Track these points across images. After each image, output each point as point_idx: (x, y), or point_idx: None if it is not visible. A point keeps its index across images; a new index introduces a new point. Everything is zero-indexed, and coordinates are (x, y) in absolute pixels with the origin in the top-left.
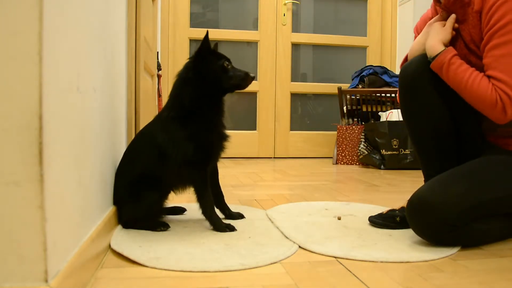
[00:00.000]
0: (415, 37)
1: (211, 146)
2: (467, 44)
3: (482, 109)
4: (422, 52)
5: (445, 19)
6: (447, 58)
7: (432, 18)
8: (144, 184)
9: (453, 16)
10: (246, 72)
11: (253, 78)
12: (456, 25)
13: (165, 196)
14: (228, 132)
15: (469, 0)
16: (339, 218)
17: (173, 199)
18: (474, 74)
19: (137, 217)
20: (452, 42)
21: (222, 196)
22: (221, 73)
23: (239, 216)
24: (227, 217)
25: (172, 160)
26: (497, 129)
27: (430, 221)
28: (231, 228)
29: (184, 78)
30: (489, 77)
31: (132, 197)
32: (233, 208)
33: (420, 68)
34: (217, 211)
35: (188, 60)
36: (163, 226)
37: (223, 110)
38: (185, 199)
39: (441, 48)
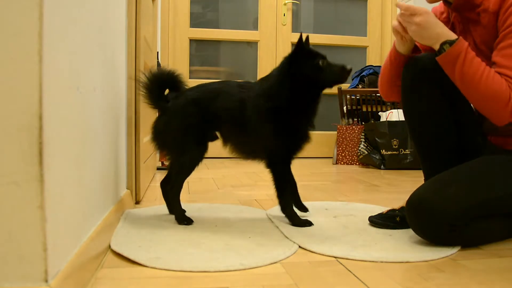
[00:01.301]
0: None
1: (299, 144)
2: (478, 45)
3: (490, 107)
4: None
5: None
6: (464, 47)
7: (444, 12)
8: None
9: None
10: (342, 66)
11: (350, 71)
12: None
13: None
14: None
15: (481, 1)
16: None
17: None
18: (487, 68)
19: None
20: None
21: (296, 189)
22: (316, 73)
23: (306, 209)
24: (300, 209)
25: (269, 149)
26: (498, 128)
27: (430, 221)
28: (309, 224)
29: (282, 78)
30: (499, 74)
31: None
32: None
33: (424, 66)
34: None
35: (284, 59)
36: (187, 221)
37: (317, 109)
38: (185, 199)
39: (453, 36)
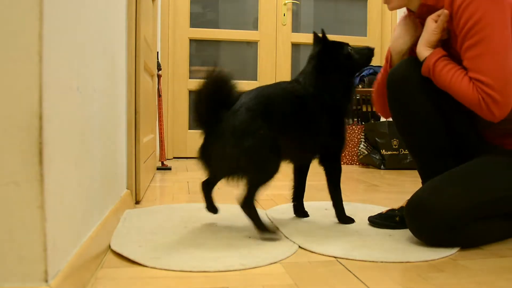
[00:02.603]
0: None
1: (345, 139)
2: (448, 49)
3: (472, 109)
4: (401, 46)
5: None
6: (431, 63)
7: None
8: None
9: (445, 13)
10: (367, 47)
11: (373, 49)
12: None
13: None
14: None
15: (442, 6)
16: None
17: (173, 200)
18: (456, 75)
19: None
20: (445, 41)
21: (303, 195)
22: (348, 62)
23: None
24: (299, 215)
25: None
26: (495, 127)
27: (429, 224)
28: (352, 221)
29: (323, 70)
30: (471, 78)
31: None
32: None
33: (407, 72)
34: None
35: (312, 59)
36: (272, 235)
37: (354, 96)
38: (184, 199)
39: (426, 52)
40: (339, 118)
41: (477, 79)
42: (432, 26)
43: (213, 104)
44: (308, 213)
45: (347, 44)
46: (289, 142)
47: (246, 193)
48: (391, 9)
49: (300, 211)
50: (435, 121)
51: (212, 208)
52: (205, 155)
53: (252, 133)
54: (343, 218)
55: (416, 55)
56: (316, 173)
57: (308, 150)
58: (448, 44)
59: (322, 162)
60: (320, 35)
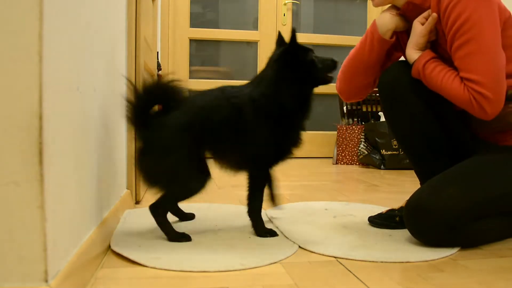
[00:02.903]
0: None
1: (289, 151)
2: (436, 49)
3: (465, 109)
4: (388, 22)
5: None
6: (420, 65)
7: None
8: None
9: (433, 16)
10: (331, 59)
11: (337, 62)
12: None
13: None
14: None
15: (429, 5)
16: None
17: None
18: (446, 76)
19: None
20: (433, 42)
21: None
22: (311, 68)
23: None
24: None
25: (253, 149)
26: (488, 125)
27: (428, 225)
28: (272, 234)
29: (281, 73)
30: (461, 78)
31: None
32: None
33: (398, 74)
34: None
35: (273, 57)
36: (186, 238)
37: (310, 109)
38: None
39: (415, 55)
40: (283, 129)
41: (467, 78)
42: (419, 29)
43: (144, 110)
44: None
45: (312, 51)
46: (222, 153)
47: (158, 200)
48: (376, 5)
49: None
50: (429, 122)
51: (185, 217)
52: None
53: (174, 150)
54: (259, 230)
55: (405, 51)
56: (316, 173)
57: (245, 160)
58: (436, 44)
59: (249, 171)
60: (287, 35)
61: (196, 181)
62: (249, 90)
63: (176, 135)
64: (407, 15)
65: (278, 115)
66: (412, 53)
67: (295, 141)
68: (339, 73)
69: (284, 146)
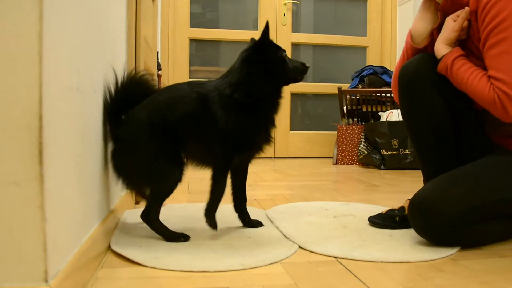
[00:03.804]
0: None
1: (255, 142)
2: (467, 45)
3: (487, 108)
4: (422, 29)
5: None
6: (449, 60)
7: None
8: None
9: (465, 10)
10: (302, 62)
11: (308, 68)
12: (466, 22)
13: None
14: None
15: (467, 1)
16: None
17: (173, 200)
18: (474, 74)
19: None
20: (462, 41)
21: (245, 201)
22: (281, 65)
23: (258, 224)
24: (246, 225)
25: (214, 134)
26: (501, 128)
27: (432, 222)
28: (186, 238)
29: (249, 67)
30: (489, 77)
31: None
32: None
33: (420, 67)
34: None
35: (246, 50)
36: (184, 237)
37: (279, 108)
38: (184, 199)
39: (445, 50)
40: (248, 119)
41: (496, 77)
42: (451, 24)
43: (118, 108)
44: (257, 223)
45: (284, 51)
46: (188, 144)
47: (146, 206)
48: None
49: (245, 221)
50: (444, 119)
51: (251, 224)
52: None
53: (141, 146)
54: (209, 216)
55: (434, 45)
56: (316, 173)
57: (210, 150)
58: (466, 42)
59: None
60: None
61: (171, 172)
62: (216, 82)
63: (140, 130)
64: (446, 11)
65: (242, 103)
66: (442, 47)
67: (263, 135)
68: (392, 83)
69: (248, 137)
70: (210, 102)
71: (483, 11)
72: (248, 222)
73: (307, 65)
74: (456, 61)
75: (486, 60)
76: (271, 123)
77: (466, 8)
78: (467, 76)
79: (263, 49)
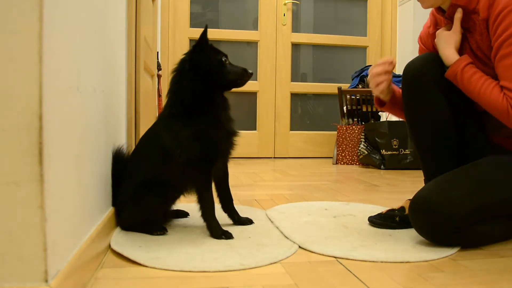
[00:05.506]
0: (420, 48)
1: (216, 144)
2: (474, 51)
3: (498, 118)
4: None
5: (449, 29)
6: (459, 68)
7: (430, 25)
8: (148, 188)
9: (457, 16)
10: (243, 68)
11: (251, 75)
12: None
13: (170, 201)
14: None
15: (474, 7)
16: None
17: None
18: (486, 83)
19: (137, 222)
20: (459, 49)
21: (231, 200)
22: (218, 68)
23: (248, 221)
24: (235, 223)
25: (176, 160)
26: (502, 129)
27: (434, 222)
28: (228, 236)
29: (181, 72)
30: (501, 87)
31: (134, 201)
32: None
33: (424, 67)
34: (225, 216)
35: (184, 55)
36: (160, 230)
37: (227, 105)
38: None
39: (455, 56)
40: (194, 127)
41: (508, 87)
42: (449, 31)
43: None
44: (247, 220)
45: (225, 55)
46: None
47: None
48: (426, 7)
49: (234, 219)
50: (446, 119)
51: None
52: None
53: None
54: (215, 233)
55: (439, 52)
56: (316, 173)
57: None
58: (470, 50)
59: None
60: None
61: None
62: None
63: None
64: (451, 19)
65: (179, 114)
66: (452, 53)
67: (218, 140)
68: None
69: (204, 145)
70: (157, 134)
71: (495, 21)
72: (238, 220)
73: (250, 71)
74: (466, 69)
75: (498, 69)
76: (224, 122)
77: (459, 9)
78: (480, 85)
79: (197, 54)
